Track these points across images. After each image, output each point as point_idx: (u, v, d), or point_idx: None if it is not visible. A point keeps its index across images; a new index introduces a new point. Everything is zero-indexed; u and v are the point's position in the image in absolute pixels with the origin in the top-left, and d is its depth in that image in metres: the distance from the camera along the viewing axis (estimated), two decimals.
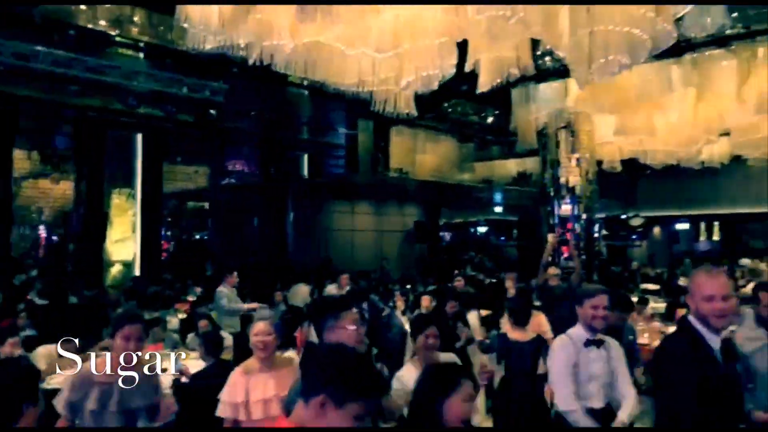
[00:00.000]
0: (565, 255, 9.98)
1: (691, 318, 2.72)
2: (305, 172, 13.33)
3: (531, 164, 17.02)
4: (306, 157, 13.20)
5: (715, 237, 21.48)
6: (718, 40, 7.77)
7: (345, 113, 12.92)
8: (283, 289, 9.48)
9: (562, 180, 10.05)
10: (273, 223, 12.75)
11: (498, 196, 17.16)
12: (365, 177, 13.07)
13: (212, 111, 9.77)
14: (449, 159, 14.80)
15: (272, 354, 3.40)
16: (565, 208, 10.01)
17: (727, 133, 10.36)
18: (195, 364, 5.11)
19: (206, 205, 13.62)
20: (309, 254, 12.67)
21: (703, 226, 21.19)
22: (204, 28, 5.34)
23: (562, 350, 3.48)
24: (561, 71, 7.87)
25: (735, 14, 7.24)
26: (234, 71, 9.11)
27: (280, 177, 12.59)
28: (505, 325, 4.81)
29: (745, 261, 15.20)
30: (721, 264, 13.86)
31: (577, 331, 3.55)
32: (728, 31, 7.32)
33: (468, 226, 18.07)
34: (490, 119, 14.26)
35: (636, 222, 15.46)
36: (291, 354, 4.76)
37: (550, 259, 8.10)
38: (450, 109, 13.43)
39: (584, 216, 10.21)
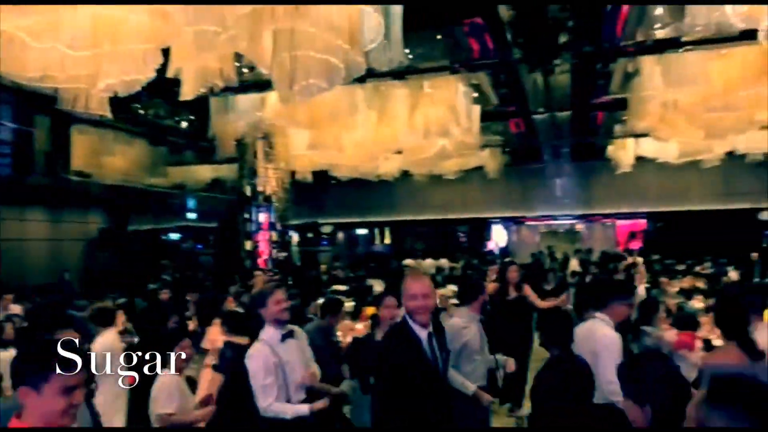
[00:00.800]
0: (261, 261, 10.32)
1: (405, 315, 3.21)
2: None
3: (226, 171, 17.07)
4: None
5: (387, 240, 24.48)
6: (396, 73, 8.83)
7: (13, 106, 11.30)
8: None
9: (260, 188, 10.36)
10: None
11: (193, 203, 16.79)
12: (40, 179, 11.56)
13: None
14: (140, 162, 14.00)
15: None
16: (262, 216, 10.35)
17: (400, 152, 11.90)
18: None
19: None
20: None
21: (378, 231, 23.96)
22: None
23: (258, 356, 3.66)
24: (261, 84, 8.13)
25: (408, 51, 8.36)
26: None
27: None
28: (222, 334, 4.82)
29: (409, 261, 17.61)
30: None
31: (268, 333, 3.77)
32: (404, 66, 8.36)
33: (160, 233, 17.27)
34: (184, 123, 13.92)
35: (326, 229, 16.66)
36: None
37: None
38: (142, 111, 12.74)
39: (279, 224, 10.68)
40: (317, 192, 16.39)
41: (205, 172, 17.37)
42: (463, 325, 4.29)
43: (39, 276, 11.86)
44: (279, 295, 3.74)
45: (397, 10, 6.35)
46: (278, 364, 3.59)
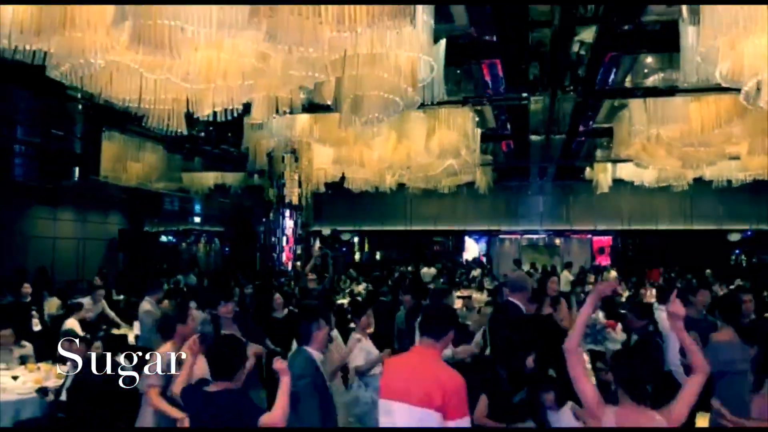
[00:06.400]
0: (287, 263, 11.34)
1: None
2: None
3: (231, 178, 17.99)
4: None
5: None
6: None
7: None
8: None
9: (287, 197, 11.39)
10: None
11: (201, 207, 17.59)
12: (73, 182, 12.36)
13: None
14: (158, 168, 14.82)
15: None
16: (288, 222, 11.37)
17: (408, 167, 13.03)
18: None
19: None
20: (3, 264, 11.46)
21: (358, 240, 25.13)
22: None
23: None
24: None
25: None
26: None
27: None
28: None
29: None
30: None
31: None
32: None
33: (170, 235, 18.04)
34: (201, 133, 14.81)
35: (345, 236, 17.72)
36: None
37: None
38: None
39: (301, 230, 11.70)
40: (320, 202, 17.45)
41: (208, 178, 18.23)
42: None
43: (66, 272, 12.62)
44: None
45: (441, 53, 7.50)
46: None
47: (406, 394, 3.20)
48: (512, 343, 4.50)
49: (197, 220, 18.02)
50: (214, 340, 3.42)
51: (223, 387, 3.20)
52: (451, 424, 3.08)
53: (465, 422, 3.14)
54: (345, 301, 10.81)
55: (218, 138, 14.44)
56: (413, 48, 6.25)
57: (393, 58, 6.39)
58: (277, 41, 5.29)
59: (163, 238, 18.06)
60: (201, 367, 3.62)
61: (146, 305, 7.75)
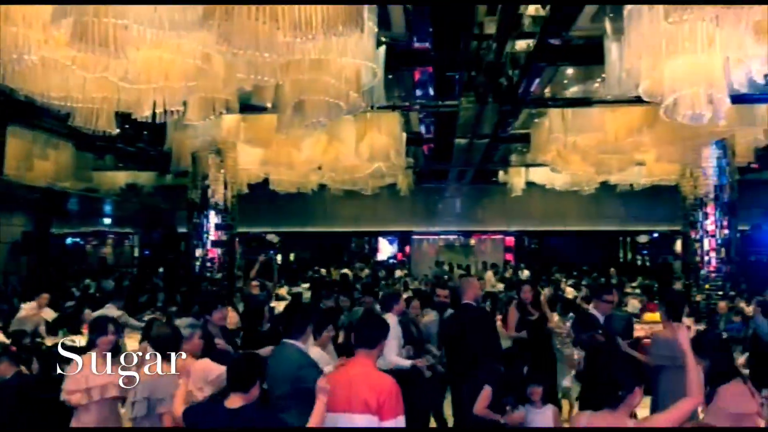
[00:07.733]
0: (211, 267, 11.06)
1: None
2: None
3: (144, 177, 17.23)
4: None
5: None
6: None
7: None
8: None
9: (212, 198, 11.10)
10: None
11: (113, 208, 16.75)
12: None
13: None
14: (66, 166, 14.00)
15: None
16: (212, 224, 11.10)
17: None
18: None
19: None
20: None
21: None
22: None
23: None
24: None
25: None
26: None
27: None
28: None
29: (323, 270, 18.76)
30: None
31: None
32: None
33: (83, 237, 17.05)
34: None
35: (274, 238, 17.38)
36: None
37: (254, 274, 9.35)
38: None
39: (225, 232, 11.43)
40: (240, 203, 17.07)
41: (120, 177, 17.36)
42: None
43: None
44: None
45: (381, 59, 7.59)
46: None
47: (348, 405, 3.51)
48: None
49: (108, 221, 17.15)
50: (235, 355, 3.51)
51: (242, 402, 3.24)
52: (386, 423, 3.43)
53: (399, 422, 3.48)
54: (274, 304, 10.64)
55: (135, 136, 13.83)
56: (359, 54, 6.30)
57: (338, 63, 6.41)
58: (231, 45, 5.19)
59: (70, 240, 17.08)
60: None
61: (114, 311, 7.61)
